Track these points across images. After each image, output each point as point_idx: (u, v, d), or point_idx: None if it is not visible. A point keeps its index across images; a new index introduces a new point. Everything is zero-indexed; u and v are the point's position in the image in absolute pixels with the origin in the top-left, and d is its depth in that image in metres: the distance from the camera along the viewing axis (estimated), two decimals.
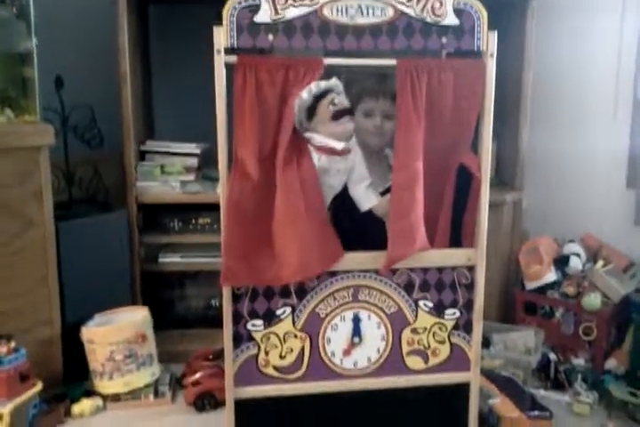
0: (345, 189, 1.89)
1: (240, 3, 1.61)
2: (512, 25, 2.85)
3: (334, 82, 1.79)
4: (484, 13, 1.71)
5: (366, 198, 1.90)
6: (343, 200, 1.90)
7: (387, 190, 1.94)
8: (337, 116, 1.75)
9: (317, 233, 1.72)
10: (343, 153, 1.79)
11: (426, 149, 1.76)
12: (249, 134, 1.68)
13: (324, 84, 1.77)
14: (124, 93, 2.65)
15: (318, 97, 1.75)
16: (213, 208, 2.63)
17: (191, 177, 2.82)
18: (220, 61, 1.63)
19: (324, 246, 1.74)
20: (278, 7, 1.62)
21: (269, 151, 1.71)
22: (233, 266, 1.72)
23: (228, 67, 1.65)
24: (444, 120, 1.78)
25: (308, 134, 1.77)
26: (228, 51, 1.64)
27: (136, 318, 2.50)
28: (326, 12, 1.64)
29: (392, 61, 1.70)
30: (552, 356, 2.57)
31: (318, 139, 1.76)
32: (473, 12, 1.70)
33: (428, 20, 1.69)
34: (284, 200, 1.68)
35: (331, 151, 1.77)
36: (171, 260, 2.87)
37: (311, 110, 1.76)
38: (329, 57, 1.70)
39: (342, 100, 1.79)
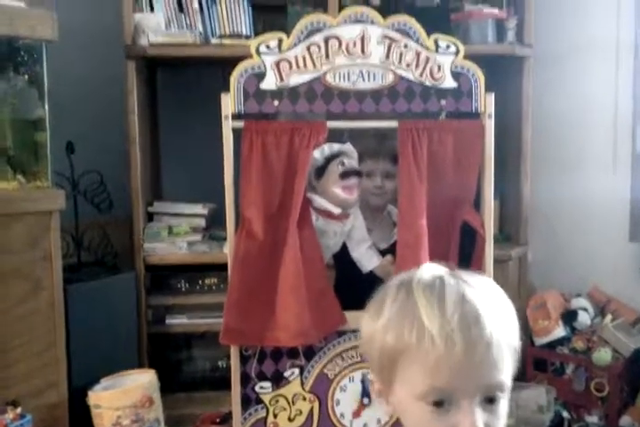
0: (347, 248, 1.91)
1: (247, 71, 1.68)
2: (511, 81, 2.93)
3: (348, 147, 1.85)
4: (481, 76, 1.78)
5: (368, 260, 1.93)
6: (345, 259, 1.92)
7: (391, 247, 1.96)
8: (345, 175, 1.80)
9: (317, 300, 1.74)
10: (339, 218, 1.83)
11: (429, 207, 1.79)
12: (255, 196, 1.72)
13: (337, 146, 1.83)
14: (133, 157, 2.71)
15: (329, 158, 1.81)
16: (220, 268, 2.65)
17: (198, 237, 2.85)
18: (227, 127, 1.69)
19: (322, 314, 1.75)
20: (283, 74, 1.69)
21: (275, 212, 1.74)
22: (233, 325, 1.73)
23: (235, 130, 1.71)
24: (446, 179, 1.82)
25: (309, 195, 1.81)
26: (235, 116, 1.70)
27: (143, 381, 2.48)
28: (329, 78, 1.70)
29: (394, 123, 1.75)
30: (565, 414, 2.53)
31: (318, 201, 1.81)
32: (470, 75, 1.77)
33: (427, 83, 1.75)
34: (287, 264, 1.70)
35: (328, 215, 1.80)
36: (178, 321, 2.86)
37: (321, 170, 1.81)
38: (332, 119, 1.76)
39: (352, 163, 1.84)
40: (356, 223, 1.89)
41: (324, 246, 1.84)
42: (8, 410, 2.11)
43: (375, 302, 0.92)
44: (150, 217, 2.90)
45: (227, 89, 1.70)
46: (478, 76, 1.77)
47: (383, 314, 0.87)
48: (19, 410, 2.13)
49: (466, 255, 1.88)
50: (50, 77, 2.45)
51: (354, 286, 1.88)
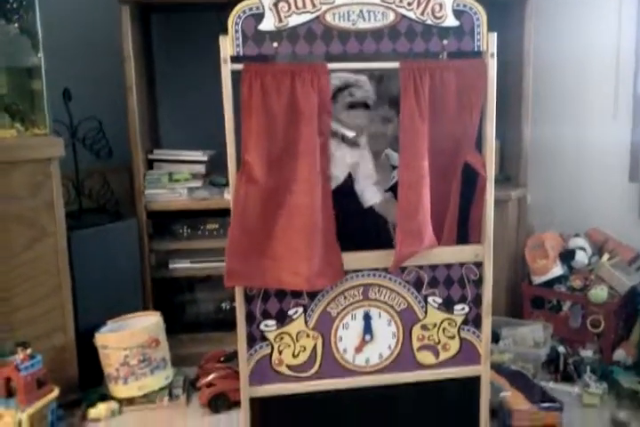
0: (346, 191, 1.93)
1: (244, 12, 1.65)
2: (512, 23, 2.88)
3: (361, 78, 1.88)
4: (484, 14, 1.74)
5: (371, 194, 1.95)
6: (346, 199, 1.94)
7: (389, 189, 1.98)
8: (352, 106, 1.85)
9: (324, 249, 1.76)
10: (351, 144, 1.87)
11: (431, 148, 1.80)
12: (256, 139, 1.72)
13: (349, 76, 1.89)
14: (131, 104, 2.69)
15: (342, 88, 1.87)
16: (221, 214, 2.68)
17: (198, 184, 2.86)
18: (226, 70, 1.67)
19: (328, 264, 1.78)
20: (282, 15, 1.66)
21: (277, 155, 1.74)
22: (235, 267, 1.75)
23: (234, 73, 1.69)
24: (448, 119, 1.81)
25: None
26: (234, 59, 1.68)
27: (149, 323, 2.54)
28: (329, 17, 1.68)
29: (395, 64, 1.73)
30: (561, 349, 2.60)
31: (331, 125, 1.81)
32: (472, 13, 1.74)
33: (429, 22, 1.73)
34: (300, 208, 1.72)
35: (341, 138, 1.87)
36: (181, 265, 2.90)
37: (332, 98, 1.83)
38: (332, 61, 1.74)
39: (362, 94, 1.88)
40: (364, 155, 1.91)
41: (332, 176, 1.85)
42: (18, 351, 2.16)
43: None
44: (150, 164, 2.90)
45: (223, 33, 1.67)
46: (481, 14, 1.74)
47: None
48: (29, 351, 2.18)
49: (467, 195, 1.89)
50: (43, 25, 2.41)
51: (354, 224, 1.92)
